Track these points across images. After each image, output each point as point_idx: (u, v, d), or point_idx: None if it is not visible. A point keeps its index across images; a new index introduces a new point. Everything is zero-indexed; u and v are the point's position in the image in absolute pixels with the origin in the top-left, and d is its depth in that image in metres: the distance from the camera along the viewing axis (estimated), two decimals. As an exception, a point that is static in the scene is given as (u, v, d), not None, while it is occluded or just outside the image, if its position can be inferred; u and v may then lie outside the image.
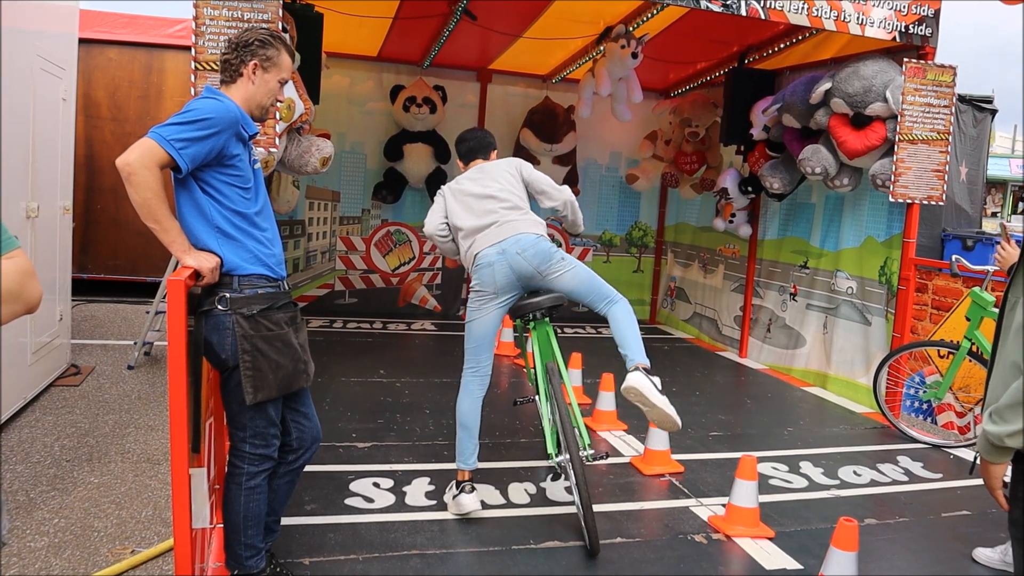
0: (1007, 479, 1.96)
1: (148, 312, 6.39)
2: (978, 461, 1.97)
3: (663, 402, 3.38)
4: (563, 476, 3.74)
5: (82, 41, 6.63)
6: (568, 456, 3.43)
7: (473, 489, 3.68)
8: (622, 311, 3.73)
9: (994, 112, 10.42)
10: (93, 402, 5.27)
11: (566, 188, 4.00)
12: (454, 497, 3.71)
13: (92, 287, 8.94)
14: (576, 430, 3.49)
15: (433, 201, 4.06)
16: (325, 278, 8.39)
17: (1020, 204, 16.79)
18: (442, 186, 4.04)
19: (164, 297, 6.30)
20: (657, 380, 3.46)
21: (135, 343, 6.35)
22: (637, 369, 3.46)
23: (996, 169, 15.72)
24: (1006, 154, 18.98)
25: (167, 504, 3.79)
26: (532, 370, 4.62)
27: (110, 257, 8.99)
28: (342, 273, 8.47)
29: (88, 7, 8.42)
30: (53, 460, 4.25)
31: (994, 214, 16.84)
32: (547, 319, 3.84)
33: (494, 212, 3.77)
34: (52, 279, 5.51)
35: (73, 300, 6.33)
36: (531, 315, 3.79)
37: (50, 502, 3.74)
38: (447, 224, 3.94)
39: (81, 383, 5.66)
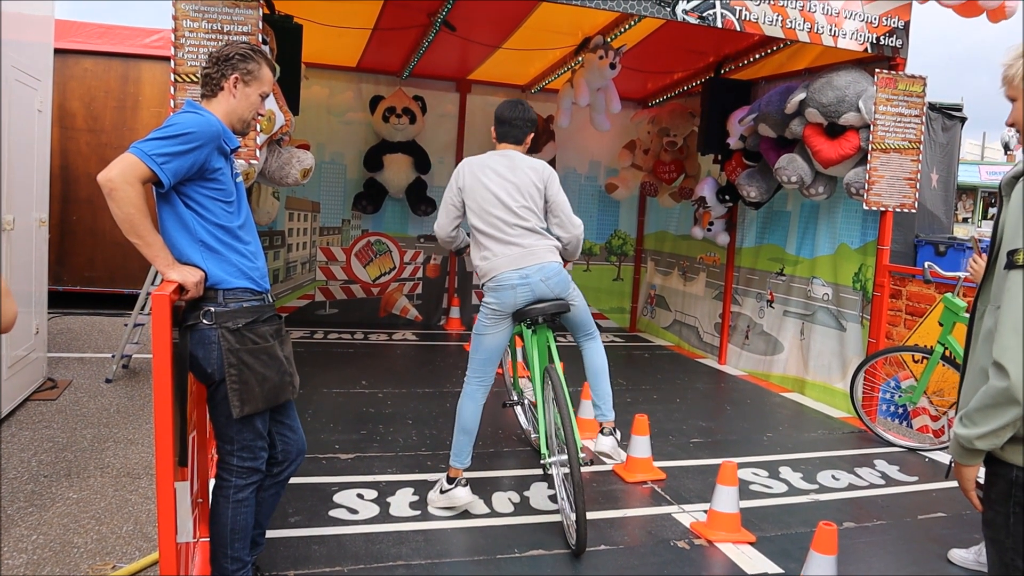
0: (981, 480, 2.01)
1: (126, 324, 6.34)
2: (953, 464, 2.02)
3: (622, 455, 4.14)
4: (553, 479, 3.83)
5: (57, 51, 6.59)
6: (567, 458, 3.45)
7: (465, 483, 3.79)
8: (599, 354, 4.13)
9: (963, 120, 10.63)
10: (71, 416, 5.22)
11: (580, 225, 3.95)
12: (444, 492, 3.81)
13: (68, 299, 8.85)
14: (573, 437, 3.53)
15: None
16: (305, 289, 8.37)
17: (990, 210, 17.09)
18: (462, 168, 3.86)
19: (143, 309, 6.26)
20: (618, 433, 4.14)
21: (113, 356, 6.30)
22: (611, 433, 4.05)
23: (966, 175, 16.00)
24: (976, 161, 19.31)
25: (148, 519, 3.77)
26: (514, 375, 4.75)
27: (86, 268, 8.90)
28: (322, 284, 8.46)
29: (64, 17, 8.36)
30: (31, 476, 4.20)
31: (965, 220, 17.13)
32: (547, 325, 3.92)
33: (516, 233, 3.75)
34: (28, 292, 5.46)
35: (49, 313, 6.26)
36: (534, 319, 3.83)
37: (28, 518, 3.70)
38: (458, 230, 3.98)
39: (58, 397, 5.61)
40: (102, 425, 5.08)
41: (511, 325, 3.83)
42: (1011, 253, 1.83)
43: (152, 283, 6.25)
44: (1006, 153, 18.50)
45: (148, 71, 8.99)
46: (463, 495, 3.79)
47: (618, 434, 4.11)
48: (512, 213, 3.76)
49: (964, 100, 10.87)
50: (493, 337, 3.81)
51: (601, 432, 4.04)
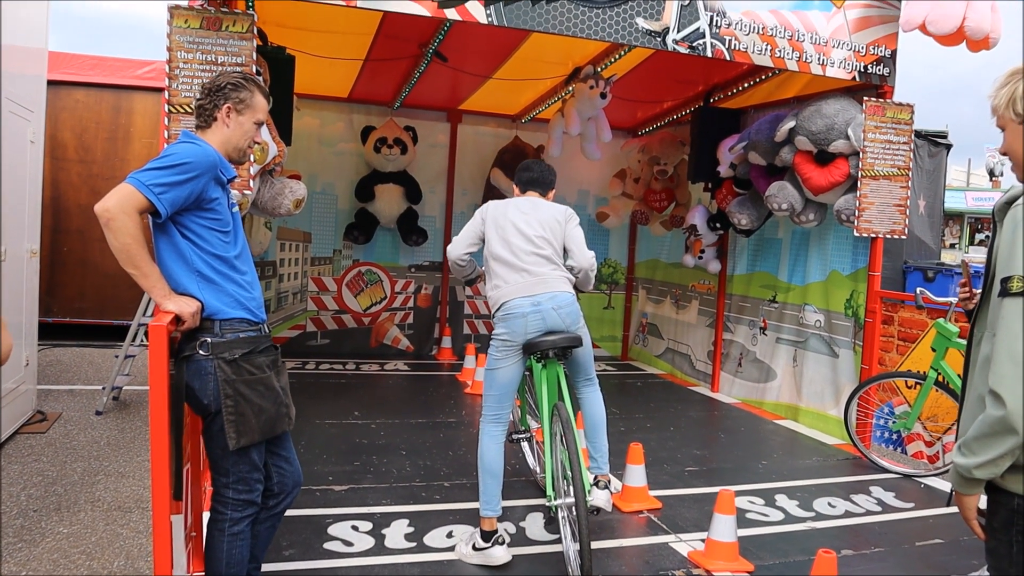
0: (984, 506, 2.01)
1: (117, 356, 6.29)
2: (953, 493, 2.02)
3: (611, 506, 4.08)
4: (558, 519, 3.69)
5: (49, 83, 6.59)
6: (573, 500, 3.33)
7: (504, 540, 3.62)
8: (599, 404, 4.10)
9: (948, 147, 10.77)
10: (60, 449, 5.15)
11: (592, 255, 3.96)
12: (478, 548, 3.60)
13: (58, 331, 8.77)
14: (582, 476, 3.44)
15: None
16: (297, 319, 8.33)
17: (976, 235, 17.26)
18: (488, 204, 3.97)
19: (134, 340, 6.21)
20: (612, 484, 4.21)
21: (103, 388, 6.24)
22: (606, 487, 3.95)
23: (952, 202, 16.16)
24: (961, 187, 19.53)
25: (139, 553, 3.71)
26: (522, 409, 4.67)
27: (76, 300, 8.84)
28: (314, 314, 8.43)
29: (56, 49, 8.39)
30: (20, 511, 4.13)
31: (952, 245, 17.26)
32: (558, 360, 3.83)
33: (530, 260, 3.76)
34: (19, 323, 5.41)
35: (38, 344, 6.20)
36: (544, 353, 3.76)
37: (17, 554, 3.63)
38: (470, 256, 3.98)
39: (47, 430, 5.54)
40: (92, 458, 5.02)
41: (523, 358, 3.74)
42: (1005, 281, 1.84)
43: (144, 314, 6.21)
44: (991, 179, 18.73)
45: (140, 102, 9.02)
46: (501, 555, 3.56)
47: (612, 484, 4.17)
48: (529, 241, 3.78)
49: (949, 127, 11.02)
50: (505, 371, 3.74)
51: (596, 485, 3.91)
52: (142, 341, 6.32)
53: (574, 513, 3.33)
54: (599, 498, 3.88)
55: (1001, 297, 1.84)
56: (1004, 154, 2.06)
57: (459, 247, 3.94)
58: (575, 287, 3.96)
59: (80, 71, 8.88)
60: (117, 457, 5.07)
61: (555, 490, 3.67)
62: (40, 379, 6.39)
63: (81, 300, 8.87)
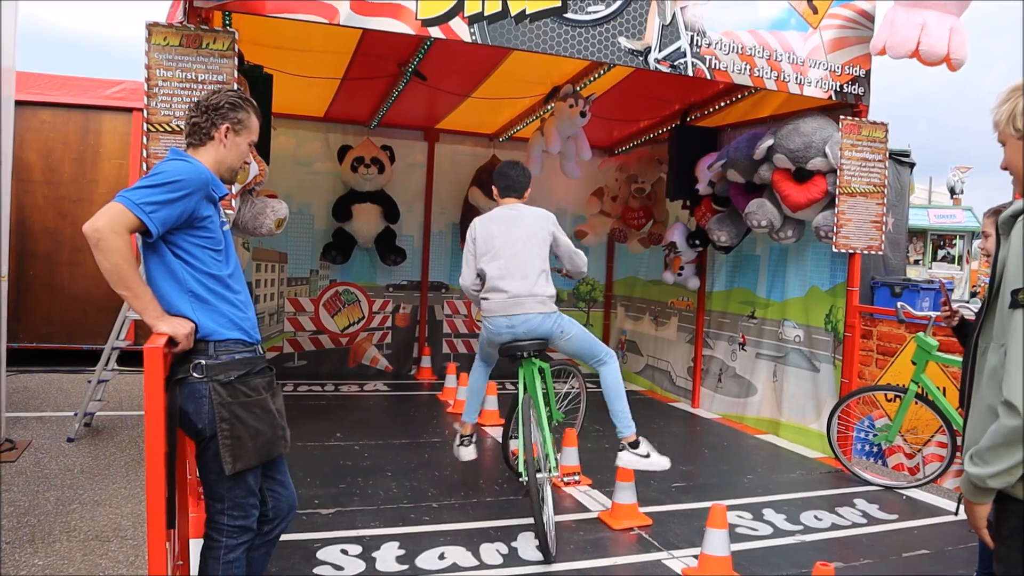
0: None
1: (89, 381, 6.12)
2: (962, 501, 2.02)
3: (653, 464, 4.39)
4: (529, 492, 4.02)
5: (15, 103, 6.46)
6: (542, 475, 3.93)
7: (469, 444, 4.69)
8: (611, 375, 4.45)
9: (912, 165, 11.00)
10: (32, 478, 4.99)
11: (583, 256, 4.67)
12: (455, 447, 4.72)
13: (24, 356, 8.53)
14: (546, 456, 4.17)
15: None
16: (274, 340, 8.20)
17: (939, 252, 17.61)
18: (474, 223, 4.45)
19: (107, 365, 6.06)
20: (642, 447, 4.41)
21: (75, 414, 6.07)
22: (625, 448, 4.39)
23: (916, 219, 16.46)
24: (924, 204, 19.95)
25: (121, 584, 3.60)
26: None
27: (43, 325, 8.62)
28: (291, 335, 8.31)
29: (22, 69, 8.23)
30: (-8, 542, 3.99)
31: (916, 262, 17.58)
32: (532, 358, 4.39)
33: (512, 273, 4.26)
34: (-12, 349, 5.26)
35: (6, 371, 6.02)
36: (518, 354, 4.33)
37: (-8, 588, 3.51)
38: (480, 278, 4.40)
39: (17, 459, 5.36)
40: (66, 487, 4.87)
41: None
42: (1015, 292, 1.86)
43: (117, 337, 6.07)
44: (952, 197, 19.16)
45: (109, 122, 8.86)
46: (464, 454, 4.68)
47: (641, 446, 4.41)
48: (515, 257, 4.27)
49: (911, 147, 11.26)
50: (486, 351, 4.57)
51: (619, 449, 4.42)
52: (115, 366, 6.18)
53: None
54: (621, 460, 4.39)
55: (1011, 309, 1.86)
56: (1004, 168, 2.08)
57: (467, 277, 4.46)
58: (572, 276, 4.75)
59: (46, 91, 8.69)
60: (92, 485, 4.92)
61: (527, 468, 4.01)
62: (7, 406, 6.20)
63: (48, 325, 8.65)
